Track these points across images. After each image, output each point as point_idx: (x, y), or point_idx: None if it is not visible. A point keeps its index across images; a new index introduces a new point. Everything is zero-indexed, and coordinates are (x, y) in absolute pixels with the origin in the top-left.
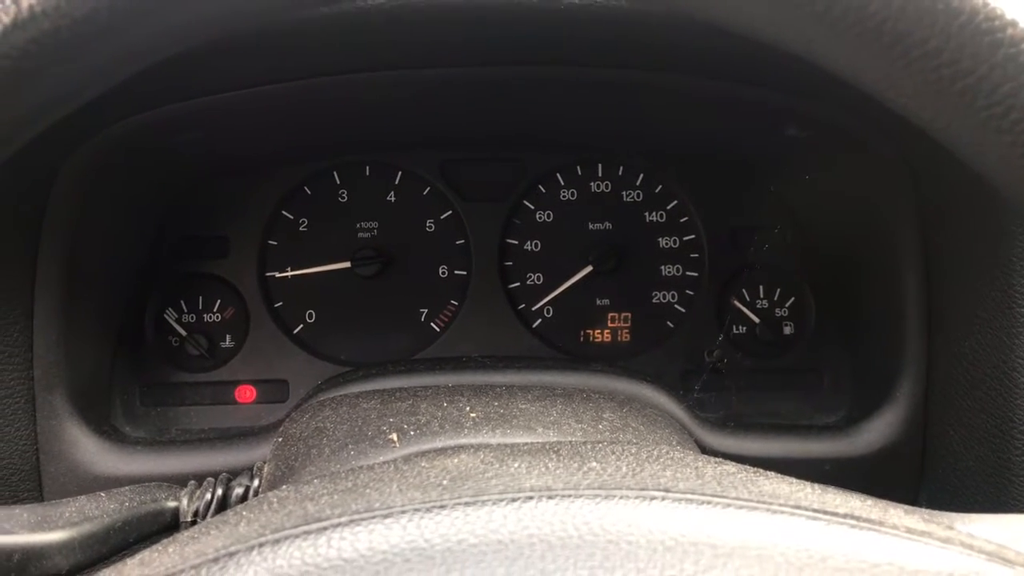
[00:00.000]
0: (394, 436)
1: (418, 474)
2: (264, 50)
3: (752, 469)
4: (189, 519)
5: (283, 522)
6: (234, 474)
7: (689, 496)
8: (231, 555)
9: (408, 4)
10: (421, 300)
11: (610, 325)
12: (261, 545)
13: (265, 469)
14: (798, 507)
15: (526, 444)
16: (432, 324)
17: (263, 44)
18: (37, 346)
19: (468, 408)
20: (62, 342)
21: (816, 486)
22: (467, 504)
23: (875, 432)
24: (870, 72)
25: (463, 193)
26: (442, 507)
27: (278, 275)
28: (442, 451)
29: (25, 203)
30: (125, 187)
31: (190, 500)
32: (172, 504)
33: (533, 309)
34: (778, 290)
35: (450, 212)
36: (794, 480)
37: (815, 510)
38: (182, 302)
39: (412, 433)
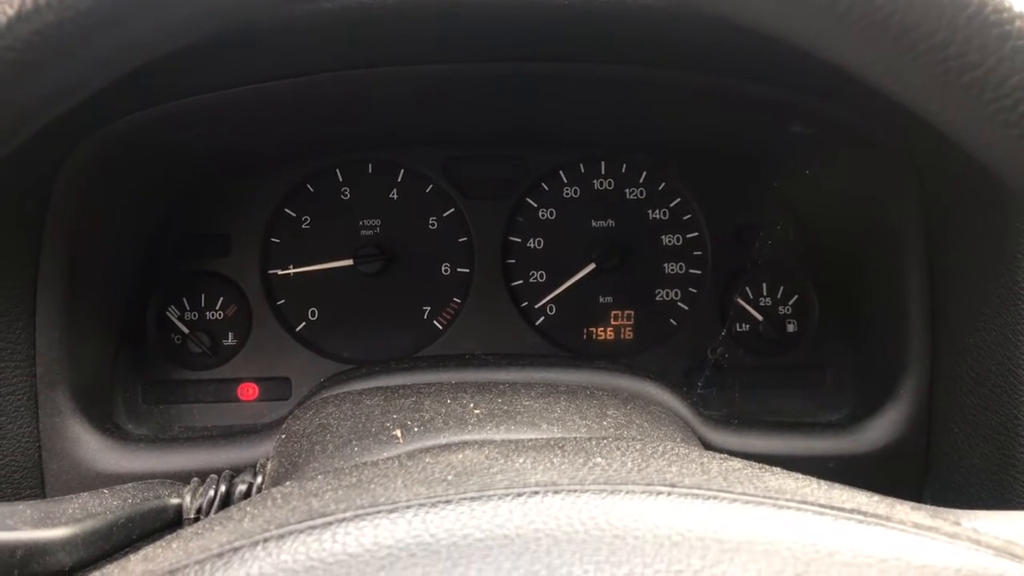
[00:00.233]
0: (398, 432)
1: (423, 470)
2: (267, 46)
3: (758, 465)
4: (192, 516)
5: (287, 518)
6: (237, 471)
7: (695, 491)
8: (235, 550)
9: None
10: (423, 298)
11: (613, 323)
12: (266, 540)
13: (268, 466)
14: (805, 502)
15: (531, 440)
16: (435, 322)
17: (266, 40)
18: (39, 343)
19: (472, 405)
20: (64, 339)
21: (822, 482)
22: (473, 499)
23: (879, 430)
24: (877, 65)
25: (466, 191)
26: (447, 502)
27: (280, 272)
28: (446, 447)
29: (28, 200)
30: (128, 184)
31: (193, 497)
32: (175, 501)
33: (536, 307)
34: (781, 287)
35: (453, 210)
36: (800, 476)
37: (822, 505)
38: (184, 300)
39: (416, 429)
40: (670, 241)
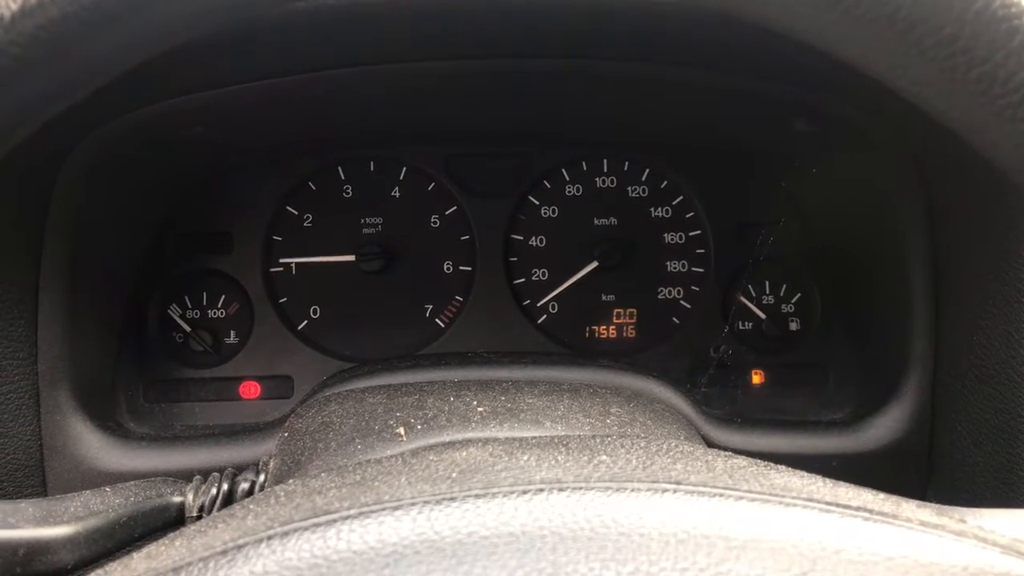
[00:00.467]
0: (401, 430)
1: (427, 467)
2: (268, 43)
3: (763, 463)
4: (195, 514)
5: (291, 515)
6: (239, 470)
7: (701, 489)
8: (240, 548)
9: None
10: (426, 296)
11: (615, 321)
12: (270, 538)
13: (271, 464)
14: (811, 500)
15: (535, 438)
16: (437, 320)
17: (267, 37)
18: (41, 341)
19: (475, 403)
20: (66, 338)
21: (828, 480)
22: (477, 496)
23: (882, 428)
24: (883, 61)
25: (468, 189)
26: (452, 499)
27: (283, 261)
28: (450, 445)
29: (29, 198)
30: (129, 182)
31: (195, 495)
32: (177, 499)
33: (538, 305)
34: (784, 286)
35: (455, 208)
36: (806, 474)
37: (828, 503)
38: (186, 298)
39: (419, 427)
40: (672, 239)
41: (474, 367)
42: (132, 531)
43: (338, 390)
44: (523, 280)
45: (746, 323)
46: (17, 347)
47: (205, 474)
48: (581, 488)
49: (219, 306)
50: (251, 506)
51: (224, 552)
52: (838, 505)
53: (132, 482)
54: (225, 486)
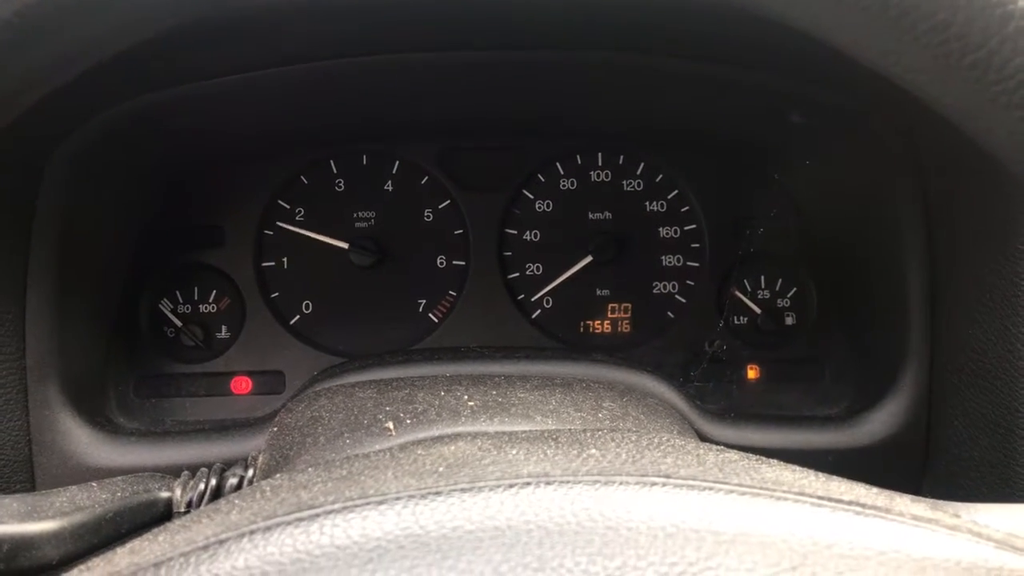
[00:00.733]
0: (390, 425)
1: (414, 461)
2: (258, 34)
3: (754, 456)
4: (182, 509)
5: (275, 510)
6: (228, 465)
7: (691, 482)
8: (221, 542)
9: None
10: (419, 291)
11: (610, 316)
12: (252, 532)
13: (260, 459)
14: (802, 494)
15: (524, 432)
16: (430, 315)
17: (257, 28)
18: (30, 336)
19: (466, 397)
20: (55, 332)
21: (820, 474)
22: (463, 490)
23: (878, 423)
24: (877, 47)
25: (462, 182)
26: (438, 493)
27: (279, 224)
28: (439, 439)
29: (17, 191)
30: (119, 175)
31: (183, 490)
32: (165, 494)
33: (532, 300)
34: (780, 280)
35: (448, 202)
36: (797, 468)
37: (820, 497)
38: (177, 292)
39: (408, 422)
40: (667, 233)
41: (467, 362)
42: (119, 527)
43: (328, 385)
44: (517, 275)
45: (741, 318)
46: (5, 341)
47: (194, 470)
48: (569, 482)
49: (210, 300)
50: (236, 501)
51: (206, 547)
52: (830, 499)
53: (119, 477)
54: (213, 481)
